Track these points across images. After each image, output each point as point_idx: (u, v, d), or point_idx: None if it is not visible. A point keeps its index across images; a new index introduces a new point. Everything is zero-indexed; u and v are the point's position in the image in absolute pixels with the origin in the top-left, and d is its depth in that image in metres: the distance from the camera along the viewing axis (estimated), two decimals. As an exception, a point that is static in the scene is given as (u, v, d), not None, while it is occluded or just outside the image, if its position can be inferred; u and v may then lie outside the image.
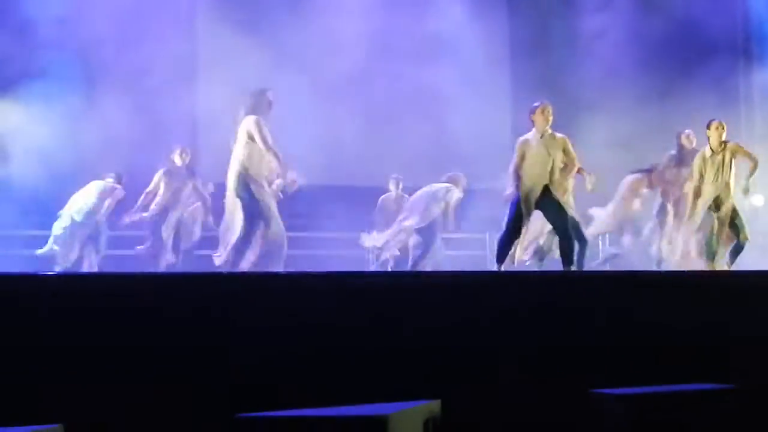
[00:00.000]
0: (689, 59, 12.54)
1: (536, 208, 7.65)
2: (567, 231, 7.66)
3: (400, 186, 10.60)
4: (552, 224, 7.84)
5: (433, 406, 3.93)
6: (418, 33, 12.18)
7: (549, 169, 7.58)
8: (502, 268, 7.80)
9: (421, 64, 11.87)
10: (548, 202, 7.59)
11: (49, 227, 9.39)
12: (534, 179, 7.56)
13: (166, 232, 9.43)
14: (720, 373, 4.86)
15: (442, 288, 5.20)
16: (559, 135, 7.71)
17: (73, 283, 5.04)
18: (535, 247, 9.04)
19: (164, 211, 9.44)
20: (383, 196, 10.65)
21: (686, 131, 9.39)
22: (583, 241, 8.22)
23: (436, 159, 10.89)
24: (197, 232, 9.77)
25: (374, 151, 11.28)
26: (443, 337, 4.88)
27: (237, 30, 11.17)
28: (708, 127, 8.30)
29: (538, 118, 7.64)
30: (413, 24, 12.16)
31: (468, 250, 11.30)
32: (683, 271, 7.84)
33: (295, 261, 9.61)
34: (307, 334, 4.68)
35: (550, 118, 7.65)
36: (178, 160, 9.53)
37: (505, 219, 7.79)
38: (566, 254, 7.62)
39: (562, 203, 7.66)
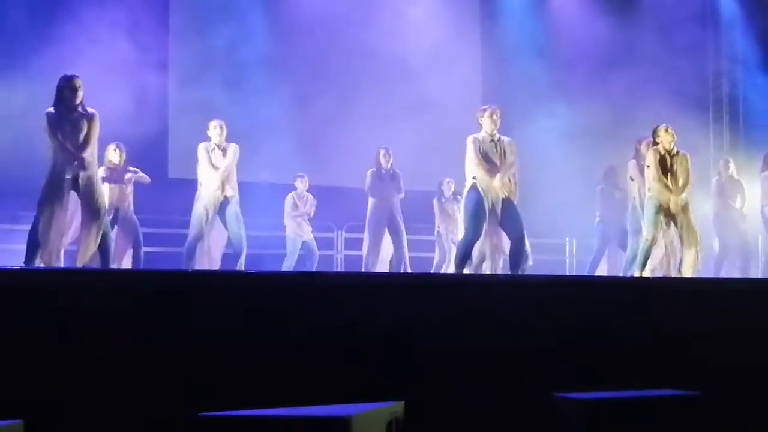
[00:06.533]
0: (657, 49, 12.67)
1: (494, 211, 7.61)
2: (522, 237, 7.69)
3: (306, 184, 10.56)
4: (505, 229, 7.72)
5: (397, 407, 3.94)
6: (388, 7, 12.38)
7: (503, 171, 7.66)
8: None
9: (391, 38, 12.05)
10: (506, 205, 7.62)
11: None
12: (490, 179, 7.57)
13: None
14: (685, 379, 4.89)
15: (407, 289, 5.19)
16: (506, 138, 7.77)
17: (33, 278, 4.98)
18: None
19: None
20: (291, 193, 10.59)
21: (647, 139, 8.76)
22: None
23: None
24: None
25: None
26: (407, 338, 4.88)
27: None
28: (656, 133, 8.09)
29: (486, 120, 7.70)
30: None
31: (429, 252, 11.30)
32: (651, 277, 7.87)
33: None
34: (271, 334, 4.66)
35: (498, 121, 7.72)
36: (383, 162, 9.98)
37: (464, 222, 7.71)
38: (517, 260, 7.64)
39: (517, 208, 7.69)
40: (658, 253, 8.25)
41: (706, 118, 13.42)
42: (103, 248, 7.09)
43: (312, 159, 11.10)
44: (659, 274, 8.30)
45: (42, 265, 6.81)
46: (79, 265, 6.89)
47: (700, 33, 13.47)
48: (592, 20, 12.58)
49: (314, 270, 9.88)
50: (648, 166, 8.09)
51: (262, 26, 11.96)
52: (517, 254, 7.64)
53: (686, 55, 12.77)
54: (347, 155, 11.12)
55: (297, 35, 12.17)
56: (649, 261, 8.14)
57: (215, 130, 8.55)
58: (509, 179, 7.78)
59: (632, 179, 9.06)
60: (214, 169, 8.42)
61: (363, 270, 9.96)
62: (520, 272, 7.65)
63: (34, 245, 6.79)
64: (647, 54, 12.84)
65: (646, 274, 8.09)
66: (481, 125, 7.76)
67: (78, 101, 7.02)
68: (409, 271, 9.91)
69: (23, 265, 6.73)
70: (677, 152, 8.07)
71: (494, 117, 7.70)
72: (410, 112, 11.67)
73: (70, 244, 7.25)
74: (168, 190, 10.08)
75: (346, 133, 11.35)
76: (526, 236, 7.77)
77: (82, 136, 6.96)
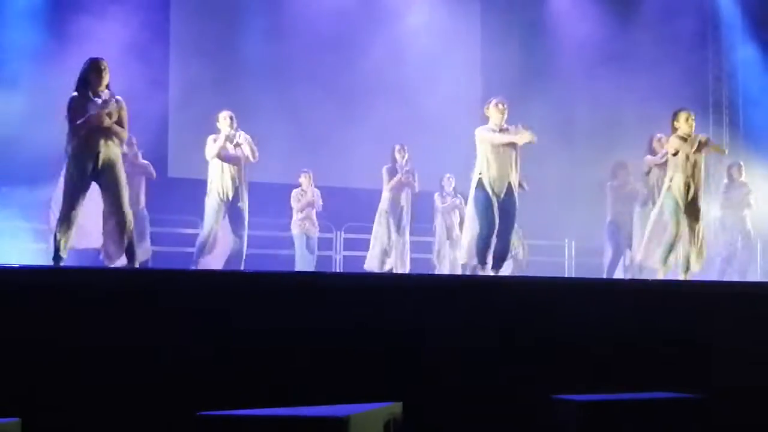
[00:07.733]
0: (658, 50, 12.67)
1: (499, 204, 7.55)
2: (510, 236, 7.66)
3: (310, 179, 10.40)
4: (499, 221, 7.58)
5: (395, 408, 3.93)
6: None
7: (511, 163, 7.58)
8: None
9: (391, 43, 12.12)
10: (508, 201, 7.56)
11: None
12: (500, 171, 7.52)
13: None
14: (684, 382, 4.89)
15: (405, 290, 5.19)
16: (514, 128, 7.67)
17: (30, 276, 4.96)
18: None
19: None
20: (294, 190, 10.44)
21: (658, 135, 8.79)
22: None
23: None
24: None
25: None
26: (405, 339, 4.88)
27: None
28: (676, 117, 7.75)
29: (492, 111, 7.64)
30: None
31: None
32: (650, 280, 7.85)
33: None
34: (269, 334, 4.66)
35: (505, 111, 7.65)
36: (398, 157, 9.77)
37: (476, 217, 7.65)
38: (501, 259, 7.61)
39: (516, 207, 7.63)
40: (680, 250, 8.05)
41: (706, 121, 13.41)
42: (129, 243, 6.60)
43: (312, 160, 11.10)
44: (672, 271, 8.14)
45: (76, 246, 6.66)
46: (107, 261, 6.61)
47: (701, 35, 13.48)
48: (592, 23, 12.59)
49: (313, 270, 9.86)
50: (674, 153, 7.71)
51: (264, 31, 11.99)
52: (501, 250, 7.61)
53: (686, 57, 12.77)
54: (347, 157, 11.13)
55: (299, 42, 12.17)
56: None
57: (225, 121, 8.25)
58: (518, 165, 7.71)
59: (648, 174, 8.89)
60: (225, 161, 8.16)
61: (365, 264, 9.95)
62: (516, 270, 7.67)
63: (60, 240, 6.43)
64: (647, 56, 12.84)
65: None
66: (488, 118, 7.68)
67: (104, 86, 6.55)
68: (408, 271, 9.87)
69: (52, 259, 6.47)
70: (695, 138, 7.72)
71: (500, 107, 7.64)
72: (411, 114, 11.69)
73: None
74: (167, 189, 10.08)
75: (347, 136, 11.36)
76: (513, 235, 7.76)
77: (108, 122, 6.48)
